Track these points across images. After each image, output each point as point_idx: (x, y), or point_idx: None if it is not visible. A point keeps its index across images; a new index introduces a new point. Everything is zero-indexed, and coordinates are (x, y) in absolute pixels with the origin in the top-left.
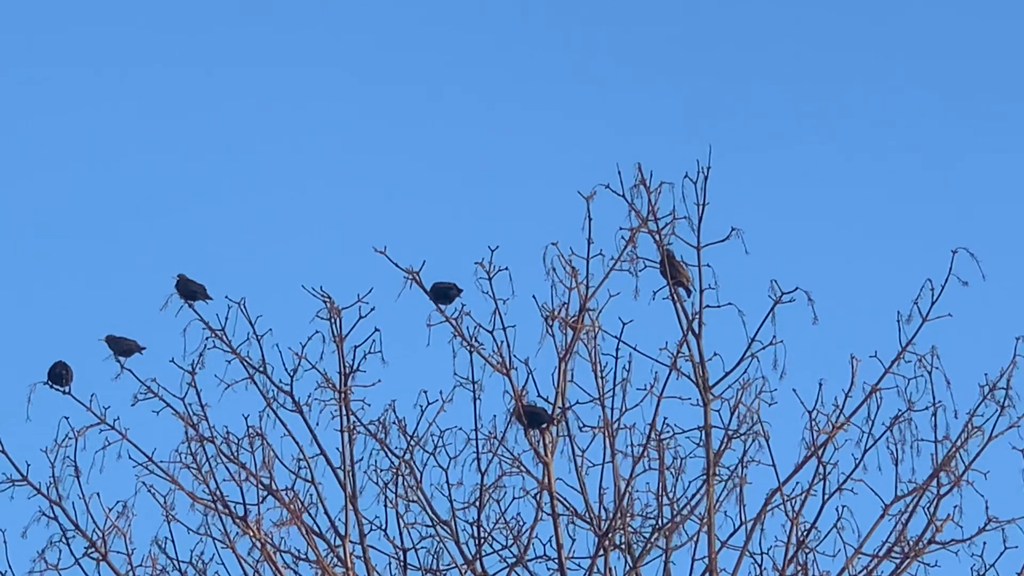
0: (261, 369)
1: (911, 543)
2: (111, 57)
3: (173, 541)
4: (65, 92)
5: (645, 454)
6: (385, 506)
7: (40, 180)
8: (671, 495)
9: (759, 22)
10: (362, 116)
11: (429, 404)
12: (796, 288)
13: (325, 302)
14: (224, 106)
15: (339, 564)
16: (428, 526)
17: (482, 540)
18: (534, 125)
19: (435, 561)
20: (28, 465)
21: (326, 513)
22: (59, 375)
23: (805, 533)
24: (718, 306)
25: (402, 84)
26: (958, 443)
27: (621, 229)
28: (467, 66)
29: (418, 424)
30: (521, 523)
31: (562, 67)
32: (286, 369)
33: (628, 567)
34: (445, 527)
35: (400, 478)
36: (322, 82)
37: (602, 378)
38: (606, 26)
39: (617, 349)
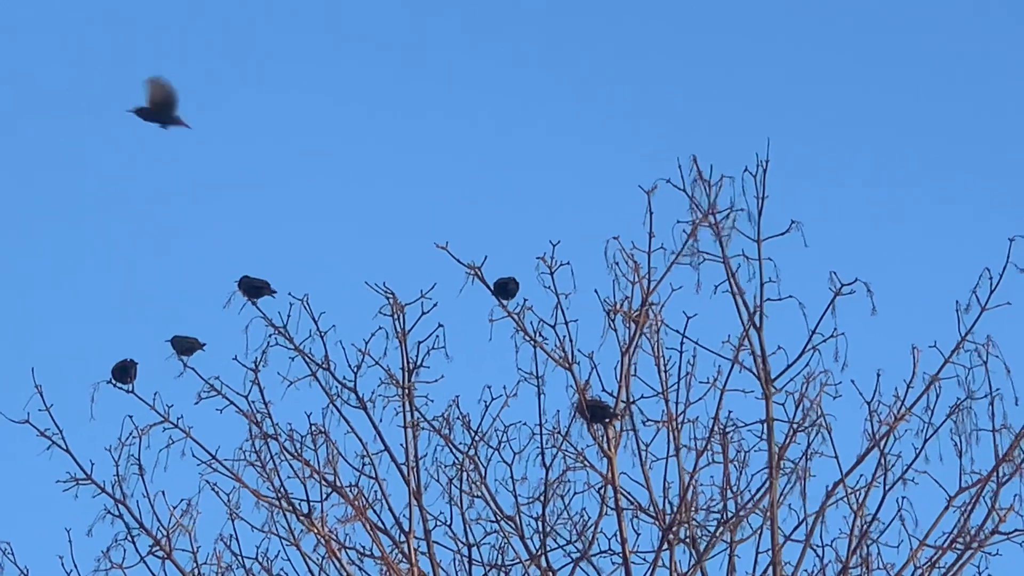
0: (324, 366)
1: (973, 534)
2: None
3: (238, 539)
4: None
5: (708, 448)
6: (449, 502)
7: (100, 178)
8: (735, 489)
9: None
10: (422, 112)
11: (493, 399)
12: (855, 279)
13: (388, 298)
14: (287, 108)
15: (404, 560)
16: (492, 521)
17: (546, 535)
18: (595, 121)
19: (500, 556)
20: (92, 464)
21: (390, 509)
22: (124, 371)
23: (867, 525)
24: (779, 299)
25: (456, 82)
26: (1020, 432)
27: (680, 223)
28: (524, 61)
29: (482, 419)
30: (586, 518)
31: (622, 64)
32: (349, 366)
33: (692, 561)
34: (509, 522)
35: (464, 473)
36: (381, 83)
37: (665, 372)
38: (670, 29)
39: (682, 344)
